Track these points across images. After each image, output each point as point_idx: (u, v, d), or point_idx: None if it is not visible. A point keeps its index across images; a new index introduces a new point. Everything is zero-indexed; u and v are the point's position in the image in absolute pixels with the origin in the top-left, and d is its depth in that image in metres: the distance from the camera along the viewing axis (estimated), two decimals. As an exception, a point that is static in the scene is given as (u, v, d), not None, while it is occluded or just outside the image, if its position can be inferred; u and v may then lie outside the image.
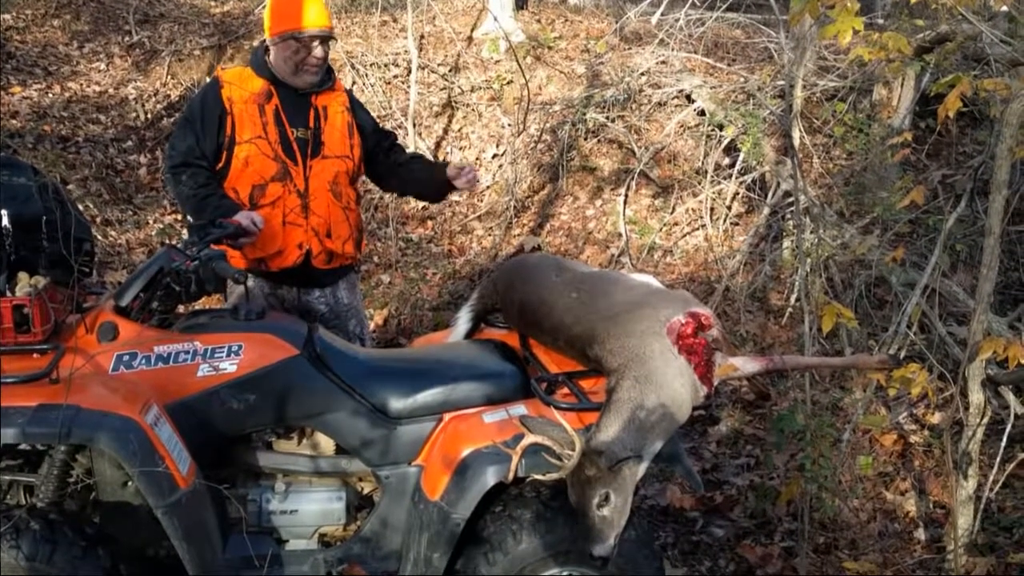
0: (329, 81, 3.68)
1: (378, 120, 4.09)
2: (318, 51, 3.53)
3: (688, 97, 7.80)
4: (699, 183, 7.12)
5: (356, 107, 3.81)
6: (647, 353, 2.70)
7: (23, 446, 2.73)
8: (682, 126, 7.68)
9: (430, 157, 4.03)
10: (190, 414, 2.74)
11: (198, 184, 3.50)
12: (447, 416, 2.93)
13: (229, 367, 2.78)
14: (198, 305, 4.14)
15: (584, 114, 7.93)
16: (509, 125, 8.45)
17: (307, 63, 3.53)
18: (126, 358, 2.72)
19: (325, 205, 3.61)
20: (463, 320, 3.40)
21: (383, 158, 3.87)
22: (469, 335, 3.39)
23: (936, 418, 4.55)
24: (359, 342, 3.83)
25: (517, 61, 8.25)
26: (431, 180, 3.85)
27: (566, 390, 2.91)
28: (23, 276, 2.68)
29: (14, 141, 7.28)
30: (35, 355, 2.67)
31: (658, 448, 2.70)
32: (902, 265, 4.99)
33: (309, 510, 2.98)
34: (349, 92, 3.85)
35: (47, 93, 8.38)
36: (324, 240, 3.63)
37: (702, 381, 2.78)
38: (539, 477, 2.66)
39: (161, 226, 7.16)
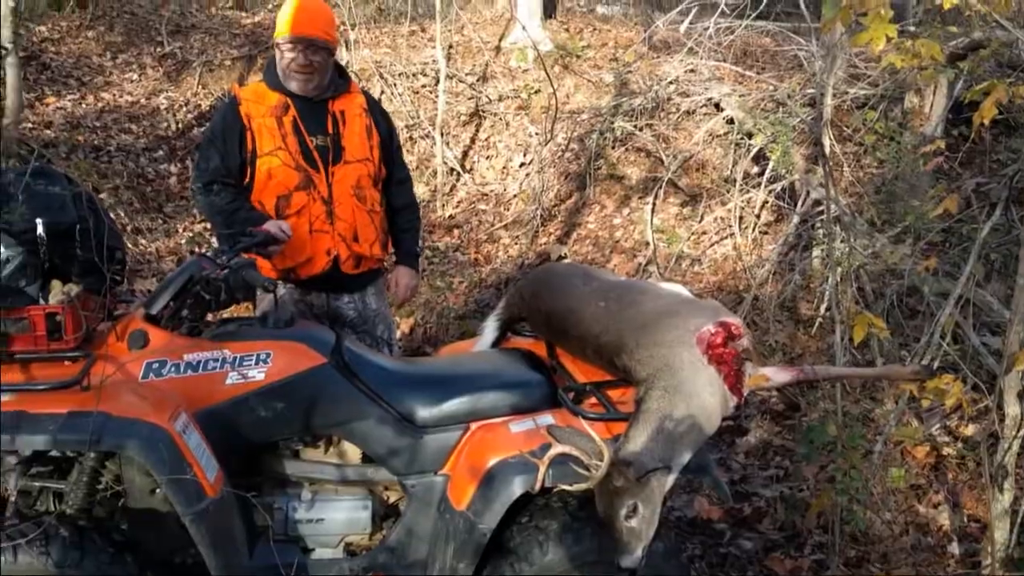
0: (343, 86, 3.70)
1: (407, 129, 4.05)
2: (299, 58, 3.54)
3: (717, 105, 7.77)
4: (728, 192, 7.08)
5: (375, 110, 3.81)
6: (676, 363, 2.67)
7: (53, 453, 2.75)
8: (711, 134, 7.65)
9: (415, 235, 3.98)
10: (218, 422, 2.75)
11: (226, 200, 3.58)
12: (474, 425, 2.91)
13: (258, 375, 2.78)
14: (227, 314, 4.16)
15: (612, 123, 7.92)
16: (536, 134, 8.46)
17: (290, 68, 3.56)
18: (156, 366, 2.73)
19: (350, 210, 3.64)
20: (490, 329, 3.38)
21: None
22: (496, 344, 3.37)
23: (970, 430, 4.49)
24: (387, 347, 3.84)
25: (545, 70, 8.26)
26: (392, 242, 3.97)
27: (594, 400, 2.89)
28: (56, 284, 2.71)
29: (48, 151, 7.37)
30: (67, 362, 2.69)
31: (687, 459, 2.68)
32: (935, 275, 4.93)
33: (335, 519, 2.97)
34: (367, 94, 3.87)
35: (81, 103, 8.49)
36: (352, 244, 3.66)
37: (732, 391, 2.75)
38: (566, 487, 2.64)
39: (191, 235, 7.22)
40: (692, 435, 2.65)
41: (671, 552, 2.91)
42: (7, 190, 2.65)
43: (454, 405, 2.92)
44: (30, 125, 7.70)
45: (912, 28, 6.44)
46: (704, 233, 7.12)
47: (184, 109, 8.85)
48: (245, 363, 2.78)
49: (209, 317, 3.05)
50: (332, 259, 3.66)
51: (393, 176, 3.87)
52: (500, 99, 8.99)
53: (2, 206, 2.63)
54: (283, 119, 3.59)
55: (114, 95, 8.79)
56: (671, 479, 2.66)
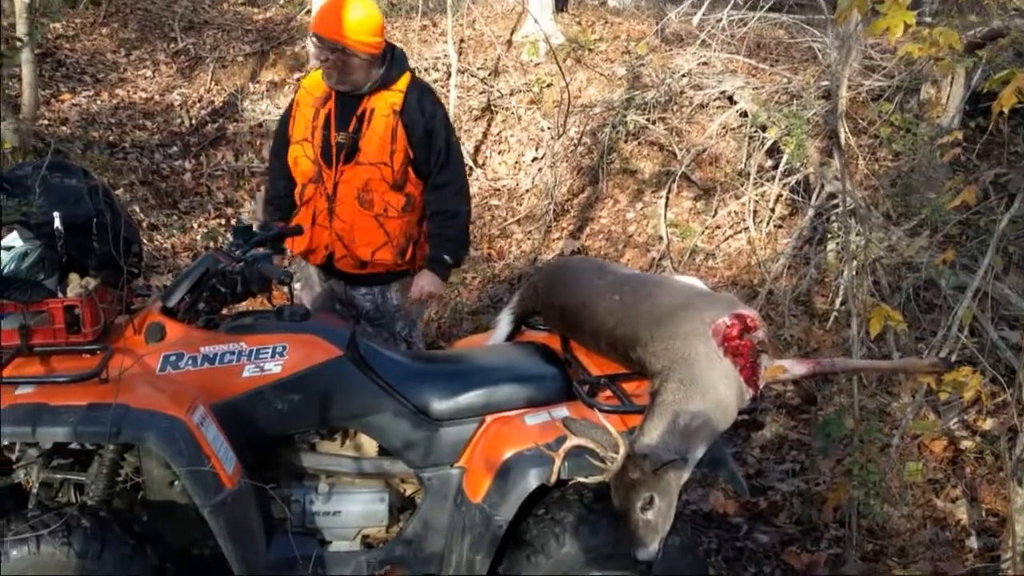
0: (387, 83, 3.63)
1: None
2: (316, 53, 3.56)
3: (730, 98, 7.72)
4: (742, 185, 7.04)
5: (413, 111, 3.63)
6: (692, 355, 2.67)
7: (73, 445, 2.77)
8: (724, 128, 7.60)
9: (443, 241, 3.77)
10: (235, 414, 2.76)
11: (269, 192, 3.95)
12: (489, 418, 2.92)
13: (274, 368, 2.79)
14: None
15: (624, 116, 7.88)
16: (548, 128, 8.44)
17: (321, 64, 3.59)
18: (173, 358, 2.75)
19: (350, 212, 3.64)
20: (504, 322, 3.38)
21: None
22: (510, 338, 3.37)
23: (988, 424, 4.46)
24: (405, 345, 3.83)
25: (557, 63, 8.25)
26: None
27: (608, 393, 2.89)
28: (74, 277, 2.73)
29: (64, 147, 7.39)
30: (85, 355, 2.71)
31: (703, 452, 2.67)
32: (952, 267, 4.89)
33: (352, 511, 2.99)
34: (416, 91, 3.68)
35: (95, 100, 8.50)
36: (349, 245, 3.66)
37: (748, 384, 2.74)
38: (582, 480, 2.63)
39: (206, 230, 7.23)
40: (708, 428, 2.65)
41: (687, 546, 2.91)
42: (24, 183, 2.67)
43: (469, 398, 2.93)
44: (46, 122, 7.71)
45: (928, 20, 6.41)
46: (718, 227, 7.08)
47: (198, 105, 8.86)
48: (261, 356, 2.79)
49: (224, 311, 3.07)
50: (327, 255, 3.70)
51: (430, 180, 3.72)
52: (512, 93, 8.96)
53: (20, 199, 2.64)
54: (320, 111, 3.64)
55: (128, 91, 8.80)
56: (687, 472, 2.65)
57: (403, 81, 3.67)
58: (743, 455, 4.74)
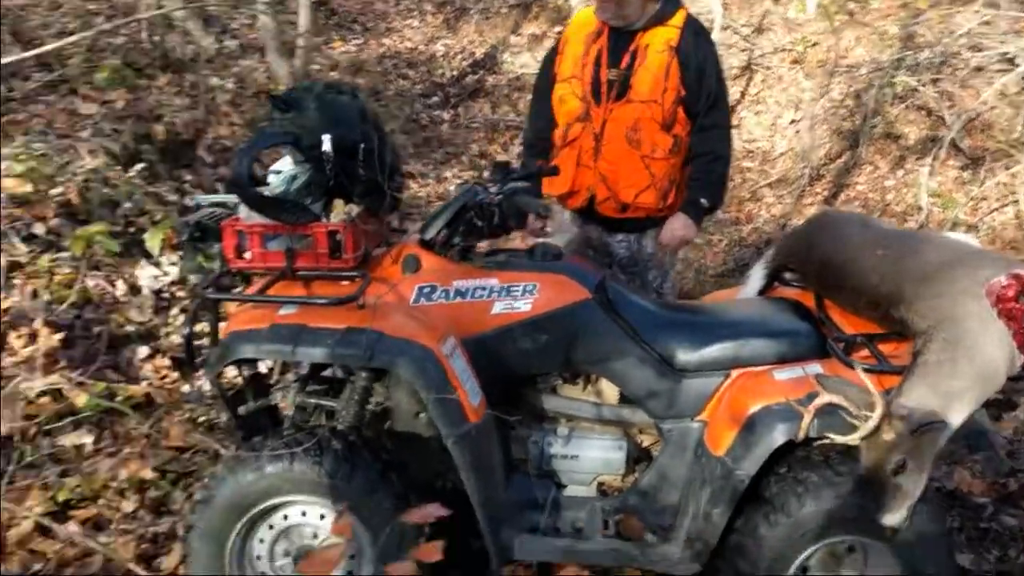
0: (663, 18, 3.53)
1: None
2: None
3: (1011, 60, 7.10)
4: (1014, 155, 6.48)
5: (688, 47, 3.51)
6: (961, 314, 2.45)
7: (326, 372, 2.89)
8: (1002, 93, 7.01)
9: (702, 184, 3.62)
10: (483, 350, 2.77)
11: (528, 135, 3.91)
12: (735, 372, 2.82)
13: (523, 306, 2.78)
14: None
15: (893, 77, 7.42)
16: (809, 89, 8.06)
17: None
18: (427, 290, 2.78)
19: (617, 152, 3.55)
20: (756, 277, 3.22)
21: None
22: (762, 293, 3.22)
23: None
24: (656, 295, 3.76)
25: (829, 18, 7.85)
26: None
27: (865, 352, 2.71)
28: (338, 203, 2.74)
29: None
30: (344, 282, 2.76)
31: (964, 418, 2.45)
32: None
33: (590, 457, 2.97)
34: (692, 28, 3.56)
35: (363, 48, 8.89)
36: (612, 187, 3.58)
37: (1021, 350, 2.48)
38: (834, 438, 2.48)
39: (459, 181, 7.42)
40: (972, 392, 2.43)
41: (935, 518, 2.71)
42: (300, 103, 2.70)
43: (716, 350, 2.83)
44: (317, 67, 8.14)
45: None
46: (984, 199, 6.62)
47: (459, 56, 9.08)
48: (512, 293, 2.79)
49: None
50: (589, 197, 3.63)
51: (696, 121, 3.60)
52: (774, 52, 8.63)
53: (296, 113, 2.67)
54: (591, 47, 3.57)
55: (394, 41, 9.15)
56: (945, 437, 2.44)
57: (679, 17, 3.55)
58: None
